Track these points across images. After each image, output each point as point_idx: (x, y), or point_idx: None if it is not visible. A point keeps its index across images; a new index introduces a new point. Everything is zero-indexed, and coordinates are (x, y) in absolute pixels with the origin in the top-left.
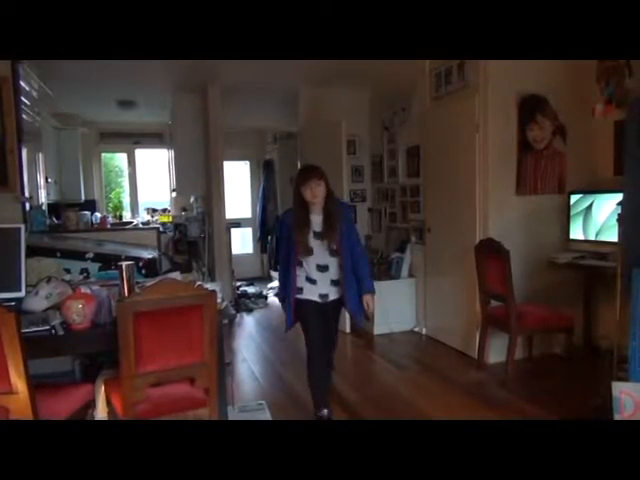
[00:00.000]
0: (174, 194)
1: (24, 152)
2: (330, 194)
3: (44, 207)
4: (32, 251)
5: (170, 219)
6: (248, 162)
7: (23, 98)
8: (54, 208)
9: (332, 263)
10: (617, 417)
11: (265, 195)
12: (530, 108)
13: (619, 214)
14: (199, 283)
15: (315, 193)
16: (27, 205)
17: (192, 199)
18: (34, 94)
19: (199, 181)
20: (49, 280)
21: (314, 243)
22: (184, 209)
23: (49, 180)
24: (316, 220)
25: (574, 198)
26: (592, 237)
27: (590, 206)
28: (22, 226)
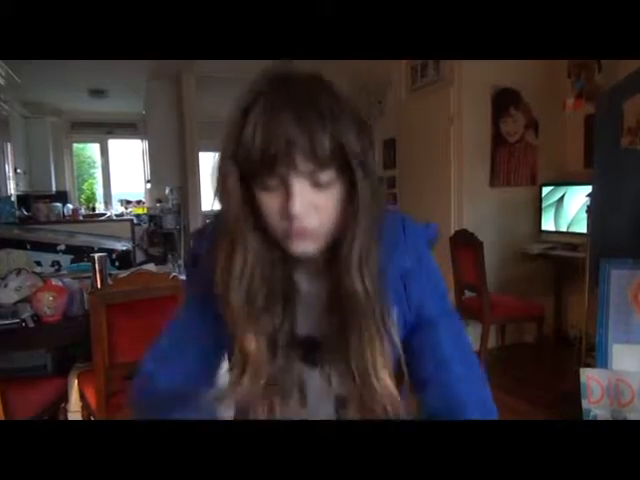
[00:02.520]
0: (149, 185)
1: None
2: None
3: (13, 198)
4: (1, 243)
5: (145, 211)
6: None
7: None
8: (24, 199)
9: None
10: (584, 402)
11: None
12: (504, 102)
13: (589, 206)
14: (174, 274)
15: (300, 207)
16: None
17: (167, 191)
18: (0, 81)
19: (174, 172)
20: (19, 272)
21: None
22: (159, 201)
23: (18, 171)
24: (306, 287)
25: (546, 190)
26: (563, 228)
27: (561, 198)
28: None
